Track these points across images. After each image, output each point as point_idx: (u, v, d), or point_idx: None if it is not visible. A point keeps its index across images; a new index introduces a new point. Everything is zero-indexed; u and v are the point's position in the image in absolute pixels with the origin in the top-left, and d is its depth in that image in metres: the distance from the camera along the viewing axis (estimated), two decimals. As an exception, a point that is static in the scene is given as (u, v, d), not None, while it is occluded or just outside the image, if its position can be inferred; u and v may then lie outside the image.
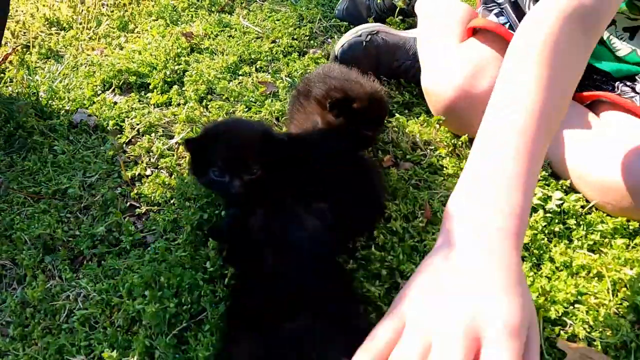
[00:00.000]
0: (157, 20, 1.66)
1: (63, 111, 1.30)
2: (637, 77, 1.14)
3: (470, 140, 1.19)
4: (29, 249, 1.02)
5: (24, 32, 1.64)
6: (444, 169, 1.11)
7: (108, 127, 1.24)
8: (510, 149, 0.65)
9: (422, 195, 1.03)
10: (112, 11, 1.72)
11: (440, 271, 0.59)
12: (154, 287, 0.90)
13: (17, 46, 1.55)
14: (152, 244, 1.00)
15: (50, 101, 1.34)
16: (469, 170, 0.67)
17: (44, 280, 0.97)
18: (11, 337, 0.90)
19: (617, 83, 1.14)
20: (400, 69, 1.34)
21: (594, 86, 1.15)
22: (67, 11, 1.71)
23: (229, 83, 1.34)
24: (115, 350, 0.84)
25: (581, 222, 1.02)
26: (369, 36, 1.32)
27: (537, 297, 0.87)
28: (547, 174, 1.09)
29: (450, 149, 1.15)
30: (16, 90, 1.36)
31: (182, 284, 0.90)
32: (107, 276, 0.96)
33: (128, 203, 1.08)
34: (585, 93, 1.14)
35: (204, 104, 1.29)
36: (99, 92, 1.36)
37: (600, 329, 0.84)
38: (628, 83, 1.14)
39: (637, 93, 1.11)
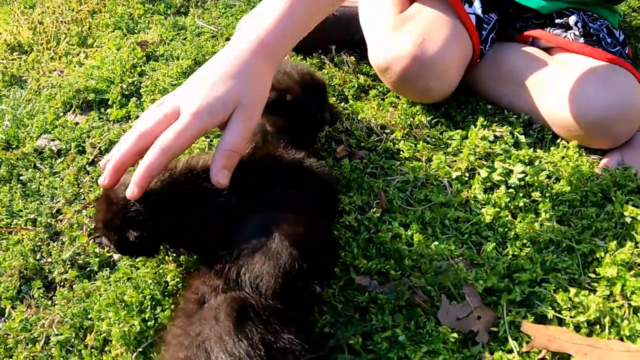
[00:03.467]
0: (114, 31, 1.65)
1: (28, 138, 1.32)
2: (566, 12, 1.19)
3: (425, 125, 1.17)
4: (7, 282, 1.04)
5: (-16, 61, 1.65)
6: (401, 152, 1.09)
7: (70, 150, 1.25)
8: None
9: (378, 184, 1.02)
10: (69, 28, 1.71)
11: (198, 71, 0.80)
12: (120, 306, 0.92)
13: (-21, 77, 1.56)
14: (118, 263, 1.02)
15: (16, 130, 1.35)
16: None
17: (21, 310, 0.99)
18: (-4, 369, 0.93)
19: (549, 29, 1.20)
20: (354, 41, 1.33)
21: (530, 26, 1.23)
22: (27, 33, 1.71)
23: (184, 89, 1.33)
24: (89, 373, 0.87)
25: (547, 194, 1.00)
26: None
27: (501, 279, 0.86)
28: (507, 145, 1.07)
29: (406, 131, 1.13)
30: (-20, 123, 1.37)
31: (144, 301, 0.91)
32: (78, 300, 0.98)
33: (93, 224, 1.09)
34: (525, 33, 1.20)
35: (162, 113, 1.29)
36: (61, 114, 1.37)
37: (571, 307, 0.83)
38: (558, 21, 1.19)
39: (568, 30, 1.17)
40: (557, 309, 0.82)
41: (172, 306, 0.89)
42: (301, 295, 0.72)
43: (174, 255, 0.97)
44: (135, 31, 1.64)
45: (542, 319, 0.82)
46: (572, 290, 0.83)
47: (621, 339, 0.79)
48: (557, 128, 1.10)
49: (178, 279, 0.93)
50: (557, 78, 1.09)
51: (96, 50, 1.60)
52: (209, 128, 0.75)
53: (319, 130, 1.09)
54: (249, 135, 0.79)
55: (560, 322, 0.82)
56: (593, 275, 0.87)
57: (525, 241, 0.93)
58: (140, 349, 0.86)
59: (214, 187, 0.77)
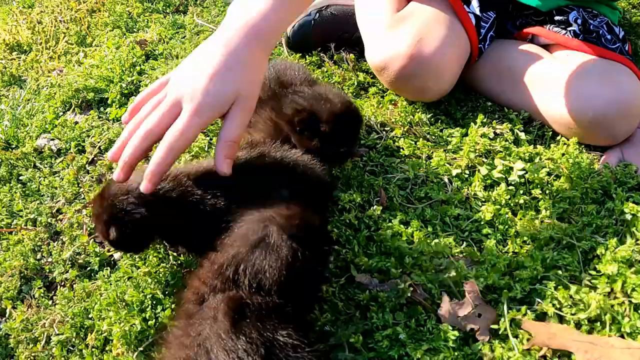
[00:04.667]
0: (113, 30, 1.65)
1: (28, 138, 1.31)
2: (565, 9, 1.18)
3: (425, 123, 1.16)
4: (7, 282, 1.04)
5: (-16, 62, 1.65)
6: (400, 150, 1.09)
7: (70, 150, 1.25)
8: None
9: (378, 182, 1.02)
10: (68, 27, 1.71)
11: (195, 54, 0.83)
12: (120, 306, 0.92)
13: (-21, 77, 1.56)
14: (118, 262, 1.02)
15: (15, 130, 1.35)
16: None
17: (22, 310, 0.99)
18: (-3, 369, 0.94)
19: (549, 26, 1.19)
20: (353, 40, 1.33)
21: (530, 23, 1.23)
22: (26, 33, 1.71)
23: (183, 88, 1.33)
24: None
25: (547, 191, 1.00)
26: (317, 13, 1.33)
27: (502, 276, 0.85)
28: (507, 143, 1.07)
29: (406, 129, 1.13)
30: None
31: (145, 300, 0.91)
32: (79, 300, 0.97)
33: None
34: (525, 30, 1.20)
35: (161, 112, 1.29)
36: (60, 113, 1.37)
37: (571, 304, 0.82)
38: (558, 18, 1.18)
39: (568, 27, 1.17)
40: (558, 306, 0.82)
41: (173, 305, 0.89)
42: (304, 289, 0.72)
43: (174, 254, 0.97)
44: (134, 30, 1.64)
45: (542, 317, 0.82)
46: (573, 288, 0.83)
47: (622, 336, 0.79)
48: (556, 126, 1.09)
49: (178, 278, 0.93)
50: (556, 76, 1.09)
51: (95, 49, 1.60)
52: (210, 122, 0.79)
53: (344, 160, 1.06)
54: (246, 125, 0.83)
55: (561, 320, 0.81)
56: (593, 273, 0.86)
57: (525, 238, 0.93)
58: (141, 348, 0.86)
59: (205, 188, 0.81)
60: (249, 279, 0.70)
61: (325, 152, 0.95)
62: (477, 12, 1.15)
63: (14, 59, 1.65)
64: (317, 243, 0.76)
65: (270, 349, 0.62)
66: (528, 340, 0.79)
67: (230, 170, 0.79)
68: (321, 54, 1.39)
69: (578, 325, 0.80)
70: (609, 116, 1.03)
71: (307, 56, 1.40)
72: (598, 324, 0.80)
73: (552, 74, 1.10)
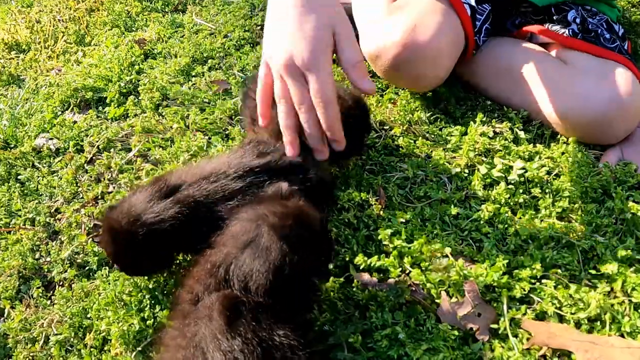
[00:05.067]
0: (112, 29, 1.65)
1: (26, 137, 1.31)
2: (564, 7, 1.18)
3: (424, 121, 1.16)
4: (5, 281, 1.04)
5: (-18, 61, 1.65)
6: (400, 149, 1.09)
7: (69, 149, 1.25)
8: None
9: (377, 181, 1.02)
10: (66, 27, 1.71)
11: (270, 33, 0.89)
12: (119, 305, 0.91)
13: (-24, 76, 1.56)
14: (117, 262, 1.01)
15: (14, 129, 1.34)
16: None
17: (20, 310, 0.99)
18: (-5, 369, 0.93)
19: (548, 25, 1.19)
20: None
21: (529, 22, 1.23)
22: (24, 32, 1.71)
23: (182, 86, 1.34)
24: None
25: (547, 190, 0.99)
26: None
27: (501, 276, 0.85)
28: (507, 142, 1.07)
29: (405, 128, 1.13)
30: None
31: (143, 300, 0.91)
32: (77, 299, 0.97)
33: (92, 223, 1.09)
34: (524, 28, 1.20)
35: (159, 111, 1.28)
36: (59, 113, 1.37)
37: (571, 303, 0.82)
38: (556, 17, 1.19)
39: (567, 26, 1.17)
40: (558, 305, 0.82)
41: (171, 305, 0.89)
42: (296, 291, 0.71)
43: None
44: (133, 29, 1.64)
45: (542, 316, 0.82)
46: (573, 287, 0.83)
47: (622, 336, 0.78)
48: (555, 125, 1.09)
49: (177, 278, 0.93)
50: (554, 75, 1.09)
51: (94, 48, 1.60)
52: (331, 62, 0.86)
53: (353, 156, 1.06)
54: (357, 42, 0.89)
55: (561, 319, 0.81)
56: (593, 272, 0.86)
57: (525, 237, 0.93)
58: (140, 348, 0.86)
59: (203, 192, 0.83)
60: (238, 281, 0.69)
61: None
62: (473, 2, 1.15)
63: (13, 58, 1.65)
64: (314, 241, 0.75)
65: (267, 349, 0.62)
66: (528, 339, 0.79)
67: (374, 86, 0.89)
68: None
69: (578, 325, 0.80)
70: (608, 116, 1.02)
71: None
72: (598, 323, 0.80)
73: (550, 73, 1.10)
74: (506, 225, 0.95)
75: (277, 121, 0.90)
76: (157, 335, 0.87)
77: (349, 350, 0.78)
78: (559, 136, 1.10)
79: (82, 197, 1.15)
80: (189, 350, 0.63)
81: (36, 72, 1.55)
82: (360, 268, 0.88)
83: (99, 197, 1.14)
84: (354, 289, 0.86)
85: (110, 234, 0.84)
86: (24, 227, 1.13)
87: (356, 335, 0.78)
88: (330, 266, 0.87)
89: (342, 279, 0.87)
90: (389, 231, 0.91)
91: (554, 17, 1.19)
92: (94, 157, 1.22)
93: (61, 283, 1.03)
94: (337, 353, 0.78)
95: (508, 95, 1.17)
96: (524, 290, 0.84)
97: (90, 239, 1.06)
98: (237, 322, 0.63)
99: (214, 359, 0.60)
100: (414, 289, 0.84)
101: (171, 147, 1.17)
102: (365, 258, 0.87)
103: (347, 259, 0.89)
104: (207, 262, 0.73)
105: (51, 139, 1.29)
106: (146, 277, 0.94)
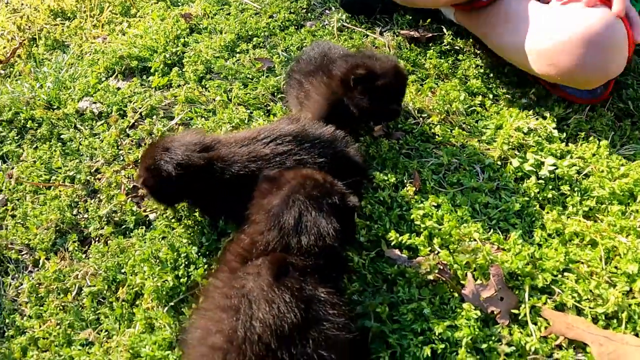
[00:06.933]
0: (158, 2, 1.69)
1: (70, 100, 1.35)
2: None
3: (462, 113, 1.18)
4: (42, 234, 1.08)
5: (29, 26, 1.69)
6: (436, 136, 1.11)
7: (112, 113, 1.29)
8: None
9: (412, 165, 1.04)
10: (114, -2, 1.75)
11: None
12: (154, 262, 0.95)
13: (23, 40, 1.60)
14: (154, 222, 1.05)
15: (57, 91, 1.38)
16: None
17: (55, 262, 1.03)
18: (28, 315, 0.97)
19: None
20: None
21: None
22: (70, 0, 1.75)
23: (226, 61, 1.37)
24: (120, 323, 0.90)
25: (576, 188, 1.01)
26: None
27: (525, 265, 0.87)
28: (540, 138, 1.08)
29: (442, 117, 1.15)
30: (25, 83, 1.42)
31: (179, 259, 0.94)
32: (113, 255, 1.01)
33: (132, 184, 1.13)
34: None
35: (202, 83, 1.32)
36: (103, 79, 1.41)
37: (590, 298, 0.84)
38: None
39: None
40: (577, 299, 0.84)
41: (206, 266, 0.92)
42: (336, 256, 0.75)
43: (208, 220, 1.00)
44: (179, 4, 1.67)
45: (561, 307, 0.84)
46: (593, 283, 0.85)
47: (636, 335, 0.80)
48: (533, 63, 1.11)
49: (212, 241, 0.96)
50: (539, 16, 1.11)
51: (139, 20, 1.64)
52: None
53: (391, 119, 1.11)
54: None
55: (579, 312, 0.83)
56: (614, 270, 0.87)
57: (551, 232, 0.95)
58: (172, 304, 0.89)
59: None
60: (290, 243, 0.74)
61: (376, 109, 1.00)
62: None
63: (58, 25, 1.69)
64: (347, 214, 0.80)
65: (309, 304, 0.65)
66: (546, 328, 0.81)
67: None
68: (363, 39, 1.42)
69: (595, 320, 0.82)
70: (574, 41, 1.02)
71: (350, 39, 1.43)
72: (614, 320, 0.82)
73: (537, 15, 1.11)
74: (533, 219, 0.97)
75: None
76: (190, 293, 0.91)
77: (376, 320, 0.81)
78: (591, 137, 1.11)
79: (122, 159, 1.18)
80: (236, 298, 0.67)
81: (81, 39, 1.60)
82: (392, 244, 0.90)
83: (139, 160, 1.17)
84: (384, 264, 0.88)
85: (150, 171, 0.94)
86: (63, 184, 1.16)
87: (383, 307, 0.81)
88: (362, 239, 0.91)
89: (373, 254, 0.90)
90: (421, 212, 0.94)
91: None
92: (136, 123, 1.26)
93: (97, 239, 1.07)
94: (364, 321, 0.81)
95: (507, 39, 1.17)
96: (546, 280, 0.86)
97: (130, 199, 1.09)
98: (283, 279, 0.67)
99: (260, 308, 0.64)
100: (441, 267, 0.86)
101: (214, 117, 1.20)
102: (397, 235, 0.90)
103: (380, 234, 0.92)
104: (255, 234, 0.77)
105: (94, 102, 1.33)
106: (183, 239, 0.97)
